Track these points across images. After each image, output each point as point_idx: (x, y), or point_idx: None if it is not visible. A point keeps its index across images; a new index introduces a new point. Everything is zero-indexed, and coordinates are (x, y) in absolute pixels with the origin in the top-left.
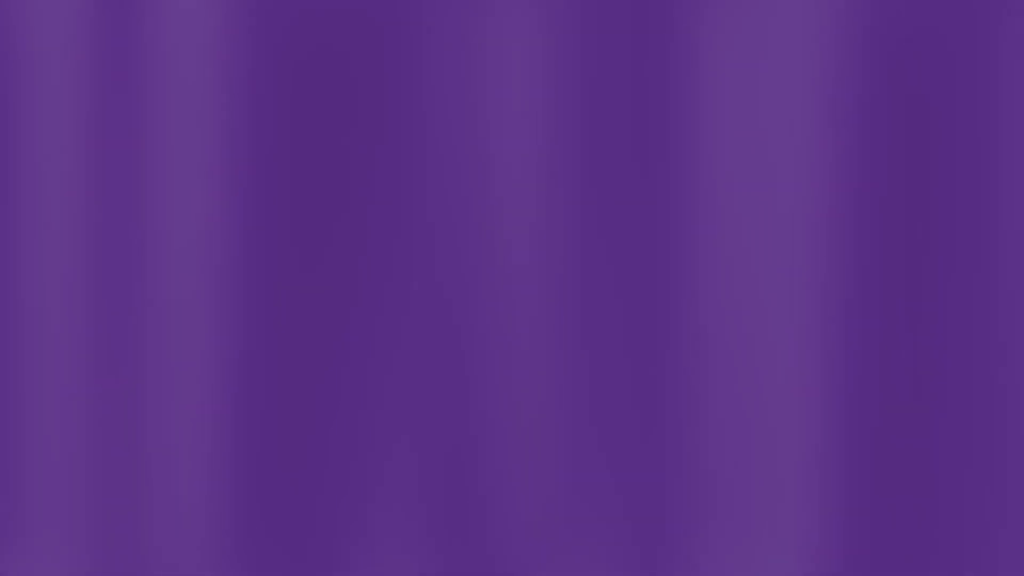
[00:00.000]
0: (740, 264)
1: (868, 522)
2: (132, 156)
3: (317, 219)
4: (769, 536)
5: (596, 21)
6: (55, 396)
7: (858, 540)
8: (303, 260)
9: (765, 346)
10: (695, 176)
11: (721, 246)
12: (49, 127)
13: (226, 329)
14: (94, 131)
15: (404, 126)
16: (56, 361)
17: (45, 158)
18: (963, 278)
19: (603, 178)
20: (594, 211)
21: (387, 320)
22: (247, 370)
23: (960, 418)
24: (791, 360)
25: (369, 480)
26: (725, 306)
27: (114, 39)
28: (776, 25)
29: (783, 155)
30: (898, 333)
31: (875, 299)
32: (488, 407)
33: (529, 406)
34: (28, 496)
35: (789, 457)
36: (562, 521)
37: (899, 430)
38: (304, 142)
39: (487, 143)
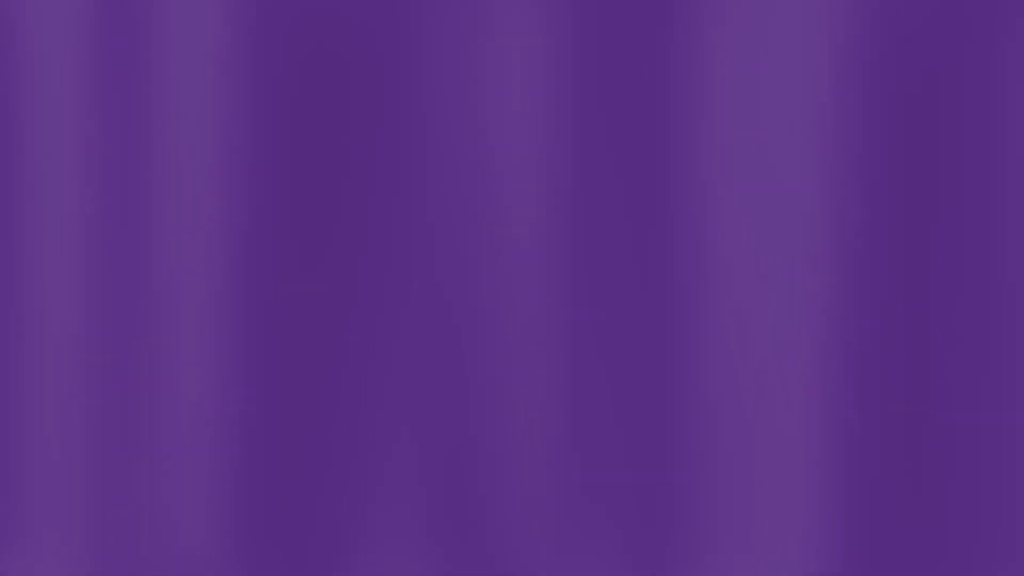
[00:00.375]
0: (742, 264)
1: (870, 522)
2: (132, 156)
3: (317, 218)
4: (771, 536)
5: (597, 20)
6: (55, 396)
7: (860, 540)
8: (304, 259)
9: (767, 346)
10: (696, 176)
11: (724, 245)
12: (49, 127)
13: (227, 328)
14: (94, 131)
15: (405, 125)
16: (56, 361)
17: (46, 158)
18: (966, 278)
19: (604, 178)
20: (595, 211)
21: (388, 319)
22: (248, 369)
23: (962, 419)
24: (793, 360)
25: (370, 480)
26: (727, 305)
27: (114, 39)
28: (777, 25)
29: (785, 155)
30: (900, 334)
31: (878, 299)
32: (489, 406)
33: (530, 405)
34: (28, 496)
35: (791, 457)
36: (563, 521)
37: (901, 431)
38: (304, 142)
39: (488, 142)
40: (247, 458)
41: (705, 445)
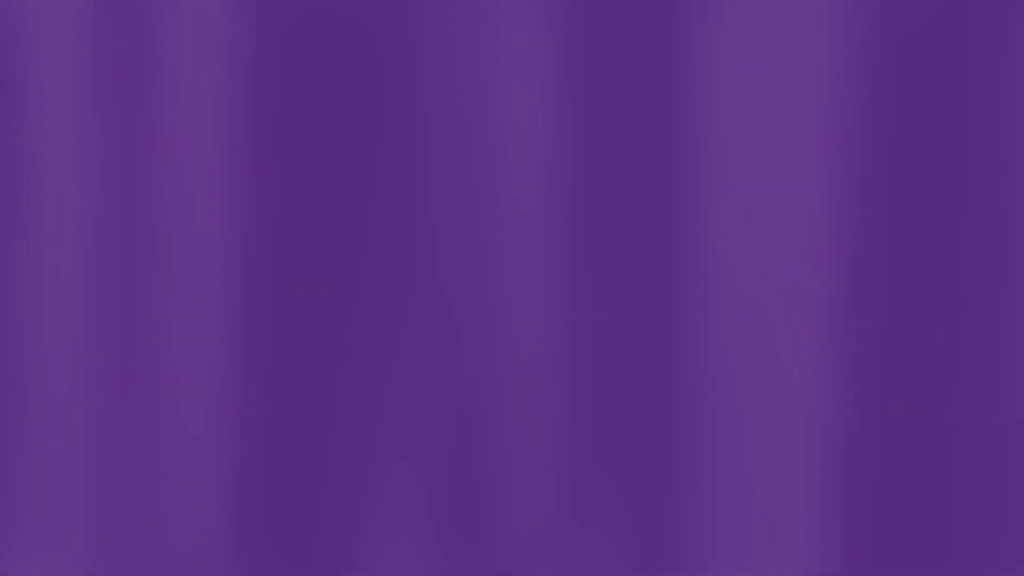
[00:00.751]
0: (745, 265)
1: (870, 522)
2: (132, 156)
3: (319, 219)
4: (772, 536)
5: (599, 19)
6: (56, 396)
7: (860, 540)
8: (305, 260)
9: (769, 346)
10: (700, 176)
11: (726, 245)
12: (49, 126)
13: (228, 329)
14: (94, 131)
15: (406, 125)
16: (56, 361)
17: (47, 157)
18: (969, 278)
19: (606, 178)
20: (597, 211)
21: (389, 321)
22: (249, 369)
23: (963, 419)
24: (795, 360)
25: (372, 480)
26: (729, 305)
27: (115, 39)
28: (780, 25)
29: (788, 155)
30: (902, 333)
31: (880, 300)
32: (491, 407)
33: (532, 406)
34: (28, 496)
35: (792, 457)
36: (565, 522)
37: (902, 431)
38: (305, 142)
39: (490, 143)
40: (248, 458)
41: (706, 445)
